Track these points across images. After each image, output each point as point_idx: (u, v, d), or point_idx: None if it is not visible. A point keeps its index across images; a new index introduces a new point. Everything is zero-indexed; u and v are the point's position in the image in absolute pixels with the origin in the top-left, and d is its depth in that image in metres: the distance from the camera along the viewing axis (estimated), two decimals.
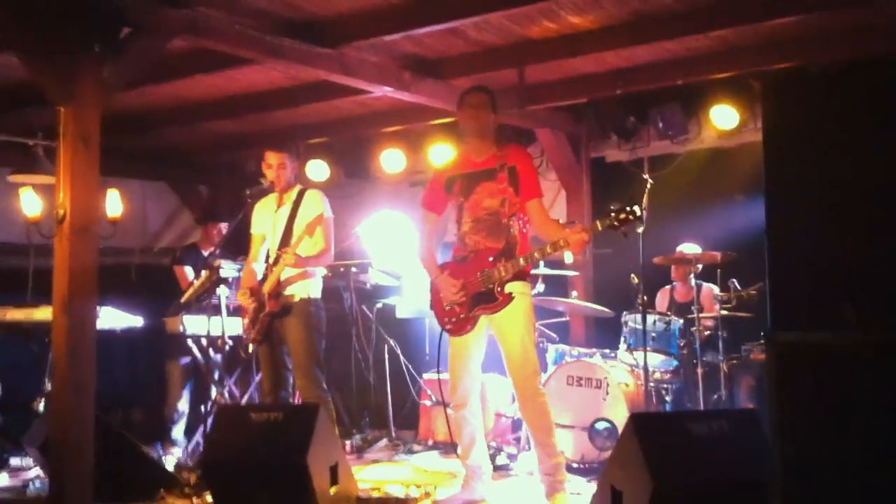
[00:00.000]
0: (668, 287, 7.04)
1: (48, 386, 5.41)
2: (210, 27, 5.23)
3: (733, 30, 5.76)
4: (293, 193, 5.49)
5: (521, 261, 4.53)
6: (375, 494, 4.77)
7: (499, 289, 4.56)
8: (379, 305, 7.24)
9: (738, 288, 6.06)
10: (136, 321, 6.18)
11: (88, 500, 4.41)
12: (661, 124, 7.29)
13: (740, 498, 3.64)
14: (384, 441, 6.76)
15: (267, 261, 5.47)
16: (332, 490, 4.37)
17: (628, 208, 4.27)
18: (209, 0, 5.09)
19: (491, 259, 4.58)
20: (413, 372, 7.08)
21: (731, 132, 6.90)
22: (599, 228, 4.38)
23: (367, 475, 5.57)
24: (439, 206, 4.85)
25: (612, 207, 4.32)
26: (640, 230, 5.49)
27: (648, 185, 5.57)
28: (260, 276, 5.44)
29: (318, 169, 8.19)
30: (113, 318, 5.94)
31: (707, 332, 6.26)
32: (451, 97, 6.55)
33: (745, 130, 6.87)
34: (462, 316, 4.66)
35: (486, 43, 6.12)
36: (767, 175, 3.97)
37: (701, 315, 6.10)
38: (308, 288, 5.35)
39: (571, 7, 5.47)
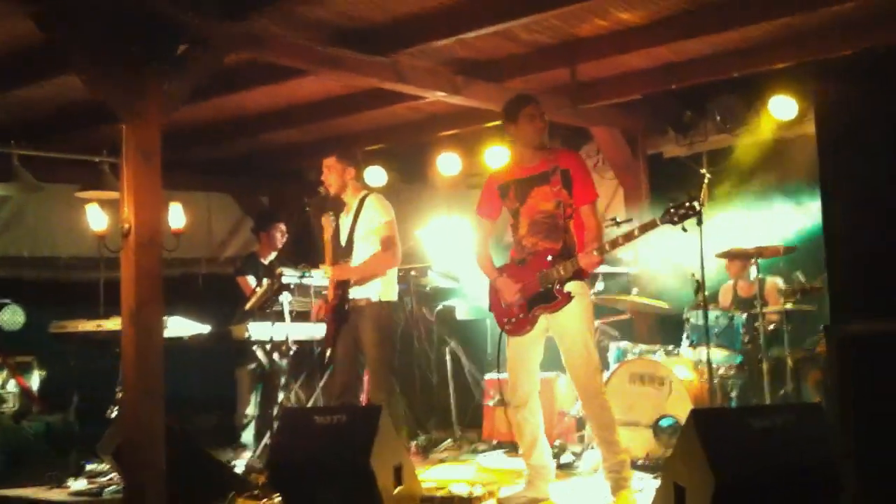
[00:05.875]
0: (730, 283, 6.96)
1: (120, 394, 5.57)
2: (266, 40, 5.36)
3: (790, 18, 5.69)
4: (356, 200, 5.56)
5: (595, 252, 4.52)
6: (440, 494, 4.80)
7: (558, 288, 4.58)
8: (439, 307, 7.29)
9: (803, 281, 5.97)
10: (203, 329, 6.34)
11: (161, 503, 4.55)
12: (719, 117, 7.18)
13: (803, 492, 3.60)
14: (448, 441, 6.81)
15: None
16: (397, 490, 4.43)
17: (687, 203, 4.32)
18: (265, 13, 5.20)
19: (549, 259, 4.61)
20: (475, 372, 7.11)
21: (791, 122, 6.77)
22: (658, 224, 4.42)
23: (432, 475, 5.62)
24: (494, 213, 4.92)
25: (670, 203, 4.35)
26: (699, 224, 5.41)
27: (706, 180, 5.53)
28: None
29: (375, 175, 8.28)
30: (180, 326, 6.11)
31: (772, 326, 6.16)
32: (504, 98, 6.57)
33: (805, 120, 6.72)
34: (521, 316, 4.69)
35: (537, 43, 6.14)
36: (823, 166, 3.92)
37: (765, 309, 6.01)
38: (379, 291, 5.39)
39: (621, 3, 5.47)
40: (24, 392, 6.84)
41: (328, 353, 5.54)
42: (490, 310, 4.88)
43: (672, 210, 4.35)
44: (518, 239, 4.78)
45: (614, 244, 4.49)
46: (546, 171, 4.69)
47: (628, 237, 4.51)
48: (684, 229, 4.45)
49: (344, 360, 5.46)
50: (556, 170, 4.66)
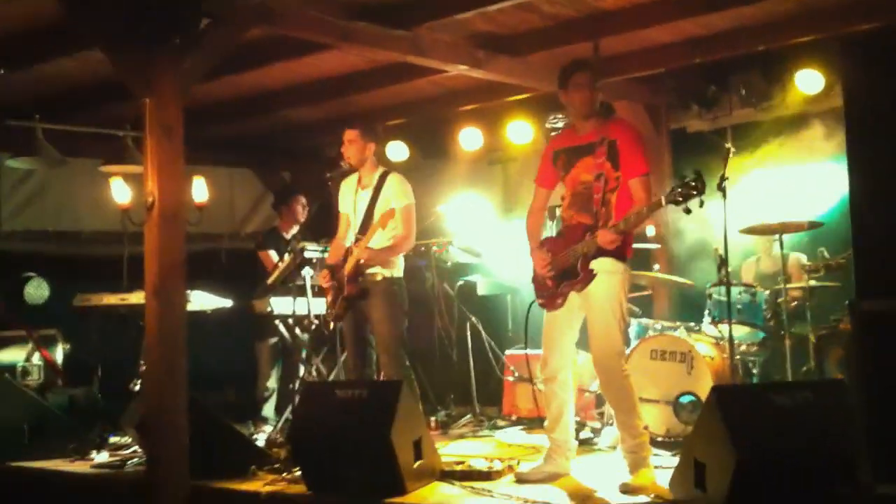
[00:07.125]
0: (753, 258, 6.91)
1: (143, 368, 5.61)
2: (285, 15, 5.34)
3: None
4: (375, 176, 5.55)
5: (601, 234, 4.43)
6: (459, 468, 4.81)
7: (581, 264, 4.52)
8: (460, 283, 7.30)
9: (827, 256, 5.91)
10: (225, 303, 6.38)
11: (183, 476, 4.60)
12: (743, 91, 7.10)
13: (825, 469, 3.58)
14: (468, 417, 6.83)
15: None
16: (417, 464, 4.45)
17: (691, 182, 4.10)
18: None
19: (585, 234, 4.51)
20: (496, 348, 7.11)
21: (816, 97, 6.68)
22: (663, 204, 4.25)
23: (452, 450, 5.64)
24: (549, 181, 4.82)
25: (676, 181, 4.20)
26: (724, 198, 5.33)
27: (731, 154, 5.45)
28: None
29: (396, 150, 8.27)
30: (203, 300, 6.15)
31: (794, 303, 6.12)
32: (526, 73, 6.57)
33: (831, 94, 6.63)
34: (552, 291, 4.64)
35: (560, 16, 6.08)
36: (850, 144, 3.87)
37: (789, 285, 5.96)
38: (391, 267, 5.46)
39: None
40: (49, 365, 6.90)
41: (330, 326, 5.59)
42: (532, 281, 4.82)
43: (676, 189, 4.15)
44: (562, 210, 4.73)
45: (627, 222, 4.39)
46: (594, 141, 4.56)
47: (639, 215, 4.39)
48: (688, 210, 4.26)
49: (356, 335, 5.53)
50: (603, 140, 4.51)
